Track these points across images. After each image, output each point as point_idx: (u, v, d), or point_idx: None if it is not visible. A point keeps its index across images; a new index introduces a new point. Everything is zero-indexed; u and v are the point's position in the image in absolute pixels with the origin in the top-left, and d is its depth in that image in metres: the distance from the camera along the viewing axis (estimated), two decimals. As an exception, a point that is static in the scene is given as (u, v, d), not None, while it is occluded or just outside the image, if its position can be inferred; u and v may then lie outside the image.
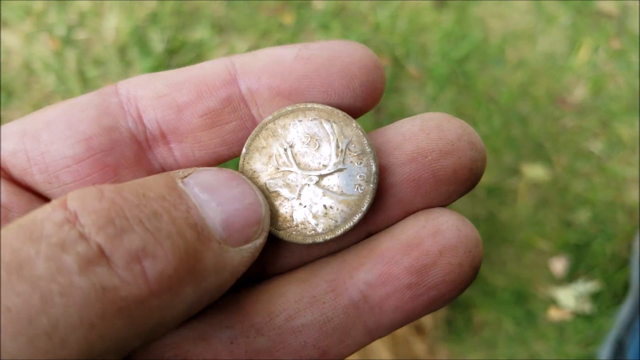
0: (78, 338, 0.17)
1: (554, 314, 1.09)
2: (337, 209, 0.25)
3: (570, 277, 1.12)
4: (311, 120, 0.25)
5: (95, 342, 0.17)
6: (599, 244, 1.13)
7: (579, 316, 1.09)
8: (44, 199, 0.25)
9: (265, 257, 0.26)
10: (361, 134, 0.25)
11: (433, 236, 0.24)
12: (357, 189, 0.25)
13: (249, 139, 0.26)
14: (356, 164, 0.25)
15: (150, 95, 0.25)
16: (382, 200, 0.25)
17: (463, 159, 0.24)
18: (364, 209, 0.25)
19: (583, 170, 1.19)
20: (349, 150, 0.25)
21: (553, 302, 1.10)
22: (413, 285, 0.24)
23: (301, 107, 0.25)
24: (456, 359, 1.06)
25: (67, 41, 1.15)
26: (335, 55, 0.24)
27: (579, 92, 1.25)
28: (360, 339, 0.25)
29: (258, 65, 0.25)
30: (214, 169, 0.23)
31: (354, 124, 0.25)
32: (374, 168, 0.25)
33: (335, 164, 0.25)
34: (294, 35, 1.21)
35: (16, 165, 0.25)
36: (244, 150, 0.26)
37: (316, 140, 0.25)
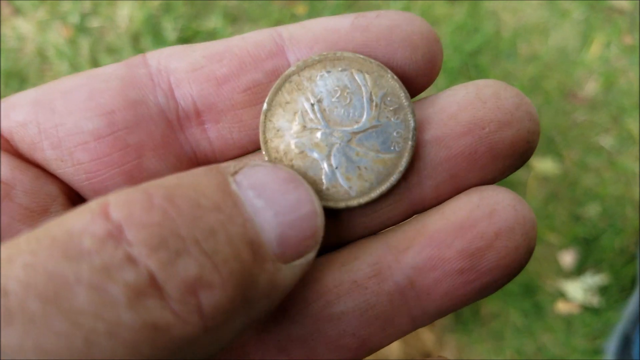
0: None
1: (562, 306, 1.10)
2: (372, 170, 0.23)
3: (579, 271, 1.12)
4: (341, 70, 0.23)
5: None
6: (607, 238, 1.14)
7: (586, 309, 1.10)
8: (53, 177, 0.22)
9: None
10: (397, 85, 0.23)
11: (489, 217, 0.22)
12: (394, 147, 0.23)
13: (270, 92, 0.23)
14: (392, 119, 0.23)
15: (185, 68, 0.23)
16: (433, 176, 0.23)
17: (521, 131, 0.23)
18: (401, 168, 0.23)
19: (593, 164, 1.19)
20: (384, 104, 0.23)
21: (561, 294, 1.11)
22: (465, 270, 0.22)
23: (329, 56, 0.23)
24: (464, 349, 1.07)
25: (81, 29, 1.16)
26: (395, 24, 0.22)
27: (591, 87, 1.25)
28: (403, 328, 0.23)
29: (310, 35, 0.23)
30: (269, 165, 0.21)
31: (389, 75, 0.23)
32: (412, 123, 0.23)
33: (369, 120, 0.23)
34: (307, 26, 1.21)
35: (25, 138, 0.22)
36: (265, 105, 0.23)
37: (347, 93, 0.23)
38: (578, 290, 1.10)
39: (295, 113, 0.23)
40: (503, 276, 0.22)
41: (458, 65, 1.21)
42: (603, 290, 1.11)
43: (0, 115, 0.22)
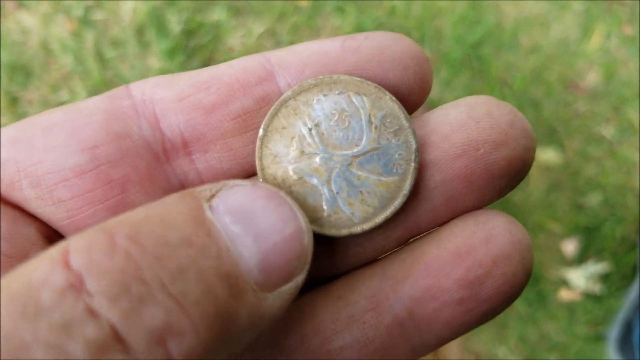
0: None
1: (564, 294, 1.11)
2: (375, 194, 0.22)
3: (581, 259, 1.14)
4: (338, 94, 0.22)
5: None
6: (609, 227, 1.15)
7: (589, 297, 1.11)
8: (32, 218, 0.21)
9: None
10: (397, 106, 0.22)
11: (485, 243, 0.21)
12: (397, 169, 0.22)
13: (266, 117, 0.22)
14: (393, 141, 0.22)
15: (172, 97, 0.22)
16: (429, 200, 0.22)
17: (517, 150, 0.22)
18: (405, 191, 0.22)
19: (594, 154, 1.20)
20: (384, 125, 0.22)
21: (564, 283, 1.12)
22: (465, 299, 0.21)
23: (326, 79, 0.22)
24: (468, 337, 1.09)
25: (85, 22, 1.16)
26: (385, 45, 0.22)
27: (592, 78, 1.26)
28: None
29: (298, 59, 0.22)
30: (247, 184, 0.19)
31: (387, 97, 0.22)
32: (414, 145, 0.22)
33: (369, 143, 0.22)
34: (310, 19, 1.21)
35: (2, 178, 0.21)
36: (261, 131, 0.22)
37: (345, 116, 0.22)
38: (580, 279, 1.11)
39: (292, 138, 0.22)
40: (502, 302, 0.22)
41: (460, 56, 1.21)
42: (605, 278, 1.12)
43: None
